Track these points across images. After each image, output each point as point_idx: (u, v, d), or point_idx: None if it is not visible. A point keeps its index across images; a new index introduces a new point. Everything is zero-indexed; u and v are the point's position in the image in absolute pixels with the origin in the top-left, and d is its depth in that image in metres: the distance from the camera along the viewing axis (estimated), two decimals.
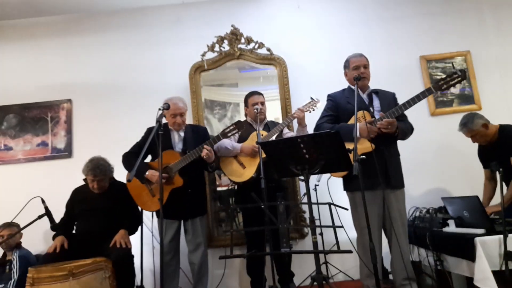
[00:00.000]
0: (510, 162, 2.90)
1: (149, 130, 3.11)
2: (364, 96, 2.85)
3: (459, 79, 2.49)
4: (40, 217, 2.80)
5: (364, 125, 2.62)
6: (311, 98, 3.30)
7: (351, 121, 2.80)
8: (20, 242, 3.29)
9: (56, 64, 4.17)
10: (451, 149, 3.86)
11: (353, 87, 2.89)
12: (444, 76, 2.61)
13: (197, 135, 3.13)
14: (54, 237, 3.00)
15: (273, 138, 3.12)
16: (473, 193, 2.57)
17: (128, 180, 2.44)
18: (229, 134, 2.97)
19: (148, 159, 3.14)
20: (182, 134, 3.13)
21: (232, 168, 3.20)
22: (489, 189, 3.26)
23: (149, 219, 3.49)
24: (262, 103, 3.31)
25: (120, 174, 3.13)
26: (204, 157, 2.88)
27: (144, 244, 3.29)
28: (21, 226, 2.93)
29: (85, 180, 3.15)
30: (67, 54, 4.20)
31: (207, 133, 3.27)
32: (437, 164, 3.88)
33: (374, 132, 2.61)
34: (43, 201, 2.83)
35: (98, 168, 3.01)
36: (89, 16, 4.29)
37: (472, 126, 3.03)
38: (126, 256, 2.91)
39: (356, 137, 2.34)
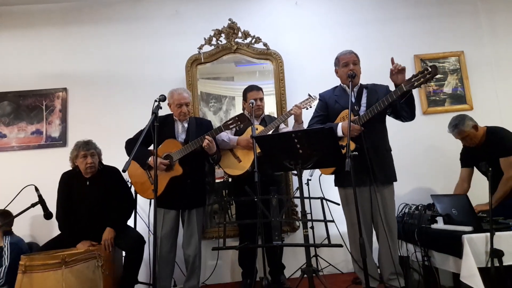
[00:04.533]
0: (499, 163, 2.93)
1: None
2: (353, 94, 2.83)
3: (431, 75, 2.45)
4: (33, 205, 2.78)
5: (347, 124, 2.60)
6: (309, 95, 3.30)
7: (337, 120, 2.84)
8: (11, 229, 3.28)
9: (52, 53, 4.14)
10: (442, 147, 3.91)
11: (343, 85, 2.92)
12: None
13: (201, 127, 3.13)
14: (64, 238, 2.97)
15: (269, 133, 3.14)
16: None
17: (123, 170, 2.45)
18: (231, 126, 2.97)
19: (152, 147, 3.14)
20: (186, 125, 3.14)
21: (227, 161, 3.22)
22: (460, 190, 3.22)
23: (144, 210, 3.51)
24: (261, 99, 3.31)
25: (118, 162, 3.11)
26: (205, 147, 2.89)
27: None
28: (14, 213, 2.92)
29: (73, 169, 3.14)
30: (64, 43, 4.16)
31: (211, 126, 3.24)
32: (427, 162, 3.94)
33: (357, 131, 2.60)
34: (36, 189, 2.80)
35: (88, 143, 3.06)
36: (87, 5, 4.26)
37: (463, 127, 3.02)
38: (138, 244, 2.96)
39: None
